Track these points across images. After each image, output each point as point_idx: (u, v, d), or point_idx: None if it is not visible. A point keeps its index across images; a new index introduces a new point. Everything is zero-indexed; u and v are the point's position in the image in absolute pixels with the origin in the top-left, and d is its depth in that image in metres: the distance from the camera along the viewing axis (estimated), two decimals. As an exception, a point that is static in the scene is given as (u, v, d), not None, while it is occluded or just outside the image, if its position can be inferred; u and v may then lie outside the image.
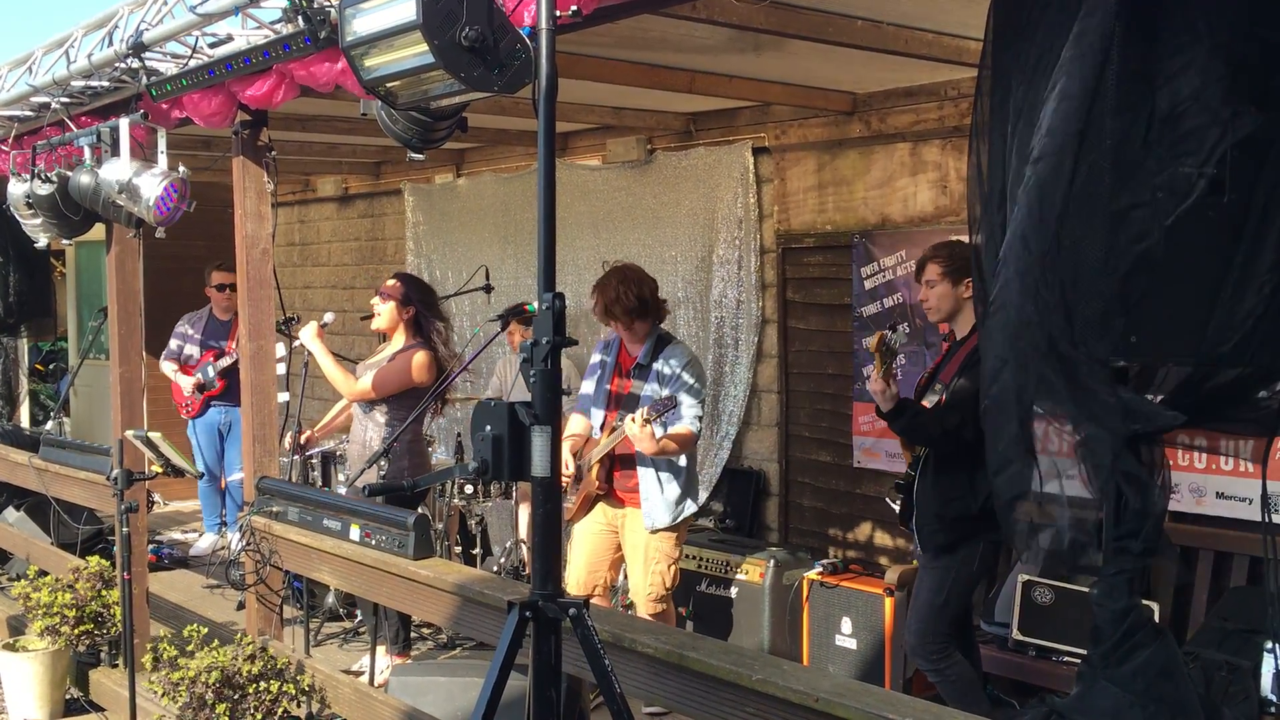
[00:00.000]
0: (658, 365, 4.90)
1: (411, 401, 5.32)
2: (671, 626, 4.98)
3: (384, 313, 5.48)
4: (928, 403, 4.41)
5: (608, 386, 5.05)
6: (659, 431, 4.76)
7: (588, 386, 5.16)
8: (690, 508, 5.01)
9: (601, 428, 4.99)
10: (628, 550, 5.02)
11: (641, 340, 4.97)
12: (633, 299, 4.86)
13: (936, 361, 4.66)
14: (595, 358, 5.21)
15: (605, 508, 5.04)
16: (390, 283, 5.57)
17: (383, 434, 5.37)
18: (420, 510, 5.26)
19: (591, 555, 5.05)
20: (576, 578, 5.06)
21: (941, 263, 4.40)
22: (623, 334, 5.01)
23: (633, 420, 4.70)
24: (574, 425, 5.13)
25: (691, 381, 4.87)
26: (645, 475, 4.88)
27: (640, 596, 4.96)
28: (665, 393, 4.79)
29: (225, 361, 7.58)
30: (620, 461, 4.96)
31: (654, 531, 4.89)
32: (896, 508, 4.60)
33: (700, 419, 4.92)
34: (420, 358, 5.37)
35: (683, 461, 4.93)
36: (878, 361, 4.34)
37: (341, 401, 5.91)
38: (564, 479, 4.97)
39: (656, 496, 4.88)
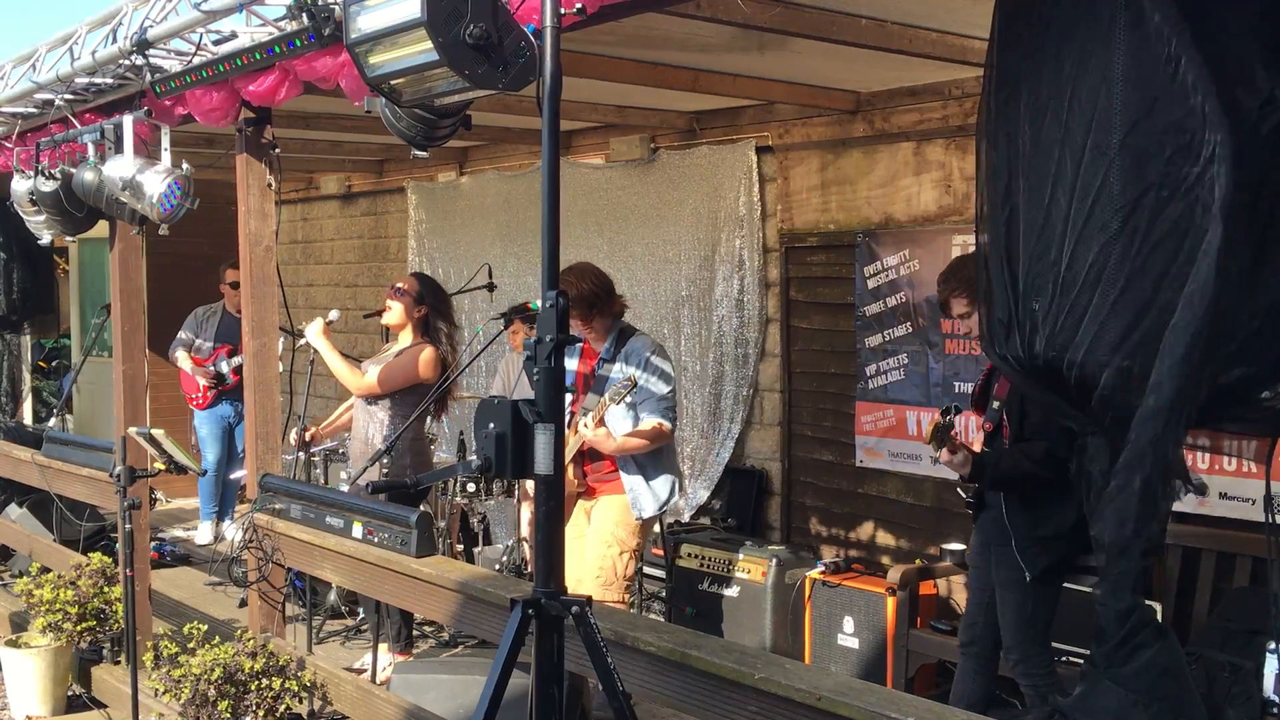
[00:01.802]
0: (620, 361, 4.84)
1: (415, 399, 5.33)
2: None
3: (396, 309, 5.49)
4: (989, 424, 4.27)
5: (573, 376, 4.97)
6: (624, 426, 4.74)
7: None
8: (677, 497, 4.97)
9: (568, 426, 4.94)
10: (590, 531, 4.93)
11: (603, 336, 4.93)
12: (584, 294, 4.77)
13: (985, 372, 4.51)
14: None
15: (583, 507, 4.99)
16: (404, 282, 5.58)
17: (385, 431, 5.37)
18: (423, 508, 5.26)
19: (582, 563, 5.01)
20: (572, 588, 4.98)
21: (964, 292, 4.27)
22: (583, 331, 4.93)
23: (585, 425, 4.68)
24: None
25: (655, 376, 4.79)
26: (626, 465, 4.83)
27: (588, 578, 4.80)
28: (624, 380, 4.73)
29: (239, 360, 7.61)
30: (590, 455, 4.91)
31: (619, 509, 4.82)
32: (967, 499, 4.44)
33: (670, 410, 4.82)
34: (428, 354, 5.39)
35: (658, 453, 4.86)
36: (934, 445, 4.17)
37: (348, 401, 5.91)
38: None
39: (641, 486, 4.83)
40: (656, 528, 5.77)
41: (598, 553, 4.86)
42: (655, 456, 4.87)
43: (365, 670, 5.38)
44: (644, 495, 4.84)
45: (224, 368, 7.73)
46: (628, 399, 4.69)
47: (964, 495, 4.46)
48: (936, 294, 4.52)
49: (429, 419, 5.68)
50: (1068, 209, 2.04)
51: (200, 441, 7.98)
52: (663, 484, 4.88)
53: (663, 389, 4.80)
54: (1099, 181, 1.99)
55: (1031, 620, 4.18)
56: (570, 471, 4.88)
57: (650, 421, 4.77)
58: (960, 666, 4.45)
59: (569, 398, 4.94)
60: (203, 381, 7.77)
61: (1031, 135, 2.12)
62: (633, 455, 4.81)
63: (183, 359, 7.86)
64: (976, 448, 4.33)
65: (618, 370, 4.82)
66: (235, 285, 7.73)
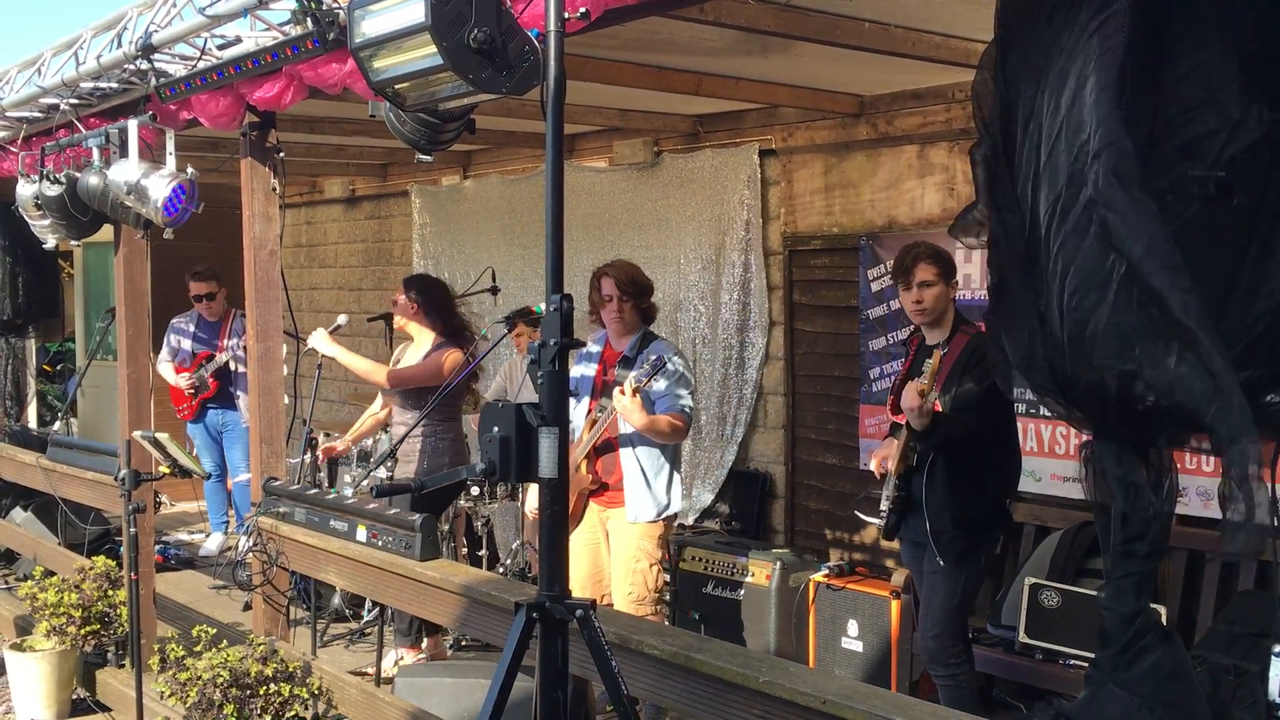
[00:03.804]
0: (643, 357, 4.81)
1: (446, 401, 5.35)
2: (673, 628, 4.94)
3: (399, 312, 5.58)
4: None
5: (592, 377, 4.99)
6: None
7: (575, 371, 5.04)
8: (676, 503, 4.94)
9: (585, 419, 4.92)
10: (611, 551, 4.93)
11: (629, 334, 4.92)
12: (643, 283, 4.88)
13: (905, 368, 4.59)
14: (586, 347, 5.14)
15: (593, 514, 4.97)
16: (398, 290, 5.65)
17: (423, 431, 5.39)
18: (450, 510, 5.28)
19: (591, 569, 4.98)
20: (580, 592, 4.98)
21: (934, 263, 4.37)
22: (613, 322, 4.91)
23: (620, 392, 4.63)
24: None
25: (681, 370, 4.82)
26: (629, 466, 4.81)
27: (620, 598, 4.82)
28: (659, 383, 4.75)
29: (216, 362, 7.59)
30: (602, 449, 4.89)
31: (636, 524, 4.79)
32: (879, 522, 4.50)
33: (689, 410, 4.84)
34: (454, 356, 5.42)
35: (667, 453, 4.86)
36: (928, 379, 4.23)
37: (370, 409, 5.93)
38: None
39: (641, 488, 4.80)
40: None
41: (625, 569, 4.84)
42: (655, 455, 4.84)
43: (370, 674, 5.38)
44: (641, 495, 4.81)
45: (203, 374, 7.68)
46: (656, 380, 4.68)
47: (864, 515, 4.59)
48: (894, 263, 4.61)
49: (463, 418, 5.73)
50: (1049, 220, 2.05)
51: (196, 451, 7.96)
52: (660, 482, 4.83)
53: (682, 390, 4.81)
54: (1068, 187, 2.00)
55: (959, 607, 4.36)
56: (583, 468, 4.89)
57: (675, 412, 4.77)
58: None
59: (585, 399, 4.95)
60: (184, 384, 7.68)
61: (1022, 143, 2.12)
62: (635, 452, 4.80)
63: (165, 369, 7.79)
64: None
65: (641, 363, 4.77)
66: (198, 299, 7.65)
